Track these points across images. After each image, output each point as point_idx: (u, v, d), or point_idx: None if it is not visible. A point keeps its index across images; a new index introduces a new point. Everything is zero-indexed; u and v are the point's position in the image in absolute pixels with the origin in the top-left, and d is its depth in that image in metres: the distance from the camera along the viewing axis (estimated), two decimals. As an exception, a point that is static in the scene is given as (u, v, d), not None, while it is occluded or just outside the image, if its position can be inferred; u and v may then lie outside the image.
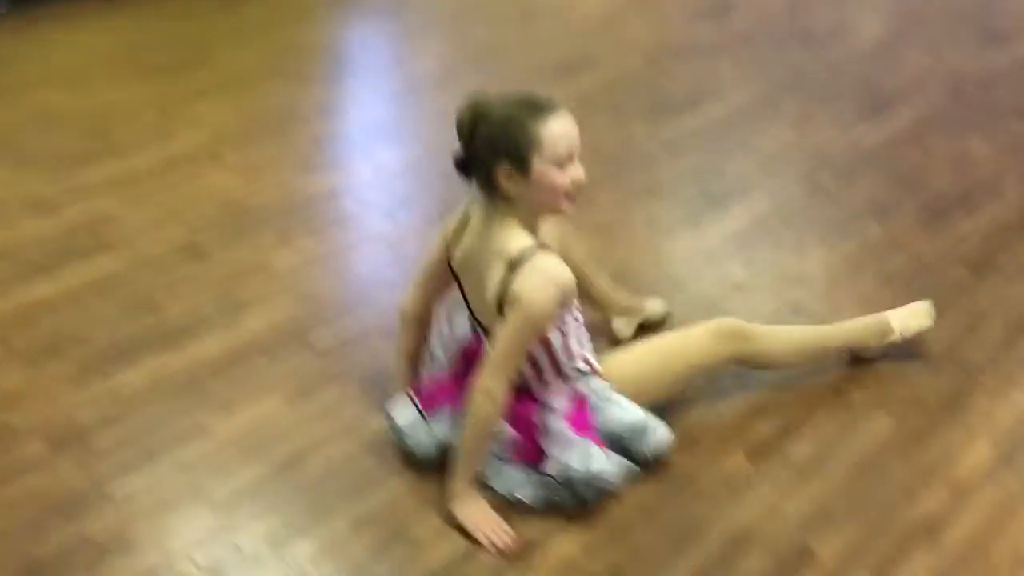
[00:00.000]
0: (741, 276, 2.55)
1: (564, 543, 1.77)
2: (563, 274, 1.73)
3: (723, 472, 1.92)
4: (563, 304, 1.77)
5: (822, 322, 2.25)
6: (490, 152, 1.71)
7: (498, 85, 3.63)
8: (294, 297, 2.44)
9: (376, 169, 3.07)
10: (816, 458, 1.96)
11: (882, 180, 3.01)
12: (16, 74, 3.72)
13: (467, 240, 1.84)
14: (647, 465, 1.87)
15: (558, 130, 1.69)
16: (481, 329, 1.89)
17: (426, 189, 2.96)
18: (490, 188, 1.75)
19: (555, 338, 1.82)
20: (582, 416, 1.86)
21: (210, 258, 2.59)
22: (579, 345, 1.90)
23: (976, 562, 1.74)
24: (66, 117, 3.36)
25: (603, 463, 1.78)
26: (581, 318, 1.92)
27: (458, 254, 1.86)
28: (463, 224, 1.86)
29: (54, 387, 2.13)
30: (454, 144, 1.75)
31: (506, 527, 1.77)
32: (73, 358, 2.22)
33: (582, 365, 1.90)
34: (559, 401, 1.86)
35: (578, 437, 1.81)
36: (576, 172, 1.74)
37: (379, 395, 2.10)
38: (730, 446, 1.98)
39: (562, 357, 1.85)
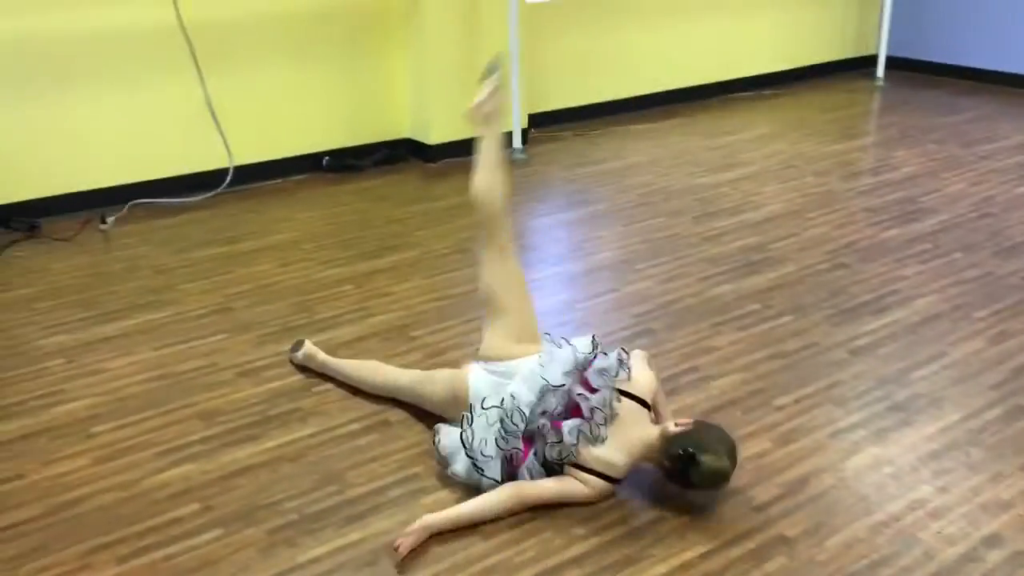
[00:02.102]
0: (934, 501, 2.42)
1: None
2: None
3: None
4: None
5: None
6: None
7: (674, 276, 3.74)
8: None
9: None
10: None
11: (1089, 403, 2.83)
12: (237, 244, 4.12)
13: None
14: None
15: None
16: None
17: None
18: None
19: None
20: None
21: (394, 433, 2.71)
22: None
23: None
24: (276, 289, 3.67)
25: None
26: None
27: None
28: None
29: (244, 554, 2.25)
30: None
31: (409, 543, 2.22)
32: (265, 526, 2.34)
33: None
34: None
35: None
36: None
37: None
38: None
39: None
